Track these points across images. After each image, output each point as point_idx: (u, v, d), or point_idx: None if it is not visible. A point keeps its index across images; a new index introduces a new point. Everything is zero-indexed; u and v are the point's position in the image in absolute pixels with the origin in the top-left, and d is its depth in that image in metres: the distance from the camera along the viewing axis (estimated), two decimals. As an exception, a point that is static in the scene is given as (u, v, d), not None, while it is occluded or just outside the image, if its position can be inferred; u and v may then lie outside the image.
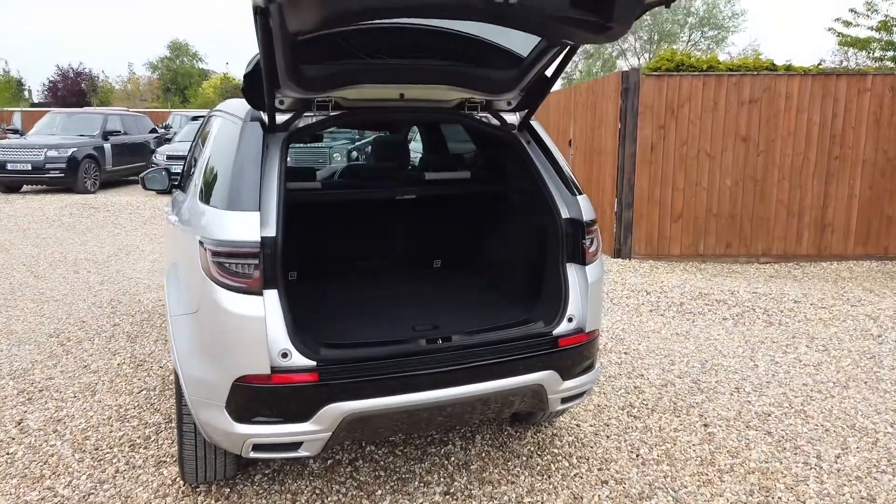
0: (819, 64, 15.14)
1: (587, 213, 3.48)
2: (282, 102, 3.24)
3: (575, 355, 3.35)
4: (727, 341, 6.16)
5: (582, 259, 3.44)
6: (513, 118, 3.80)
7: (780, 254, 9.27)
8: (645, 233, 9.25)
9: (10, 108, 29.45)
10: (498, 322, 3.41)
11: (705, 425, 4.42)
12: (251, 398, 2.88)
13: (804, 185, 9.13)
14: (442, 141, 5.54)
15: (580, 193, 3.54)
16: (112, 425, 4.39)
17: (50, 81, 48.92)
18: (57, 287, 7.99)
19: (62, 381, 5.15)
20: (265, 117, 3.19)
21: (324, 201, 4.13)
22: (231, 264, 2.85)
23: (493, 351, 3.14)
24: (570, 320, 3.38)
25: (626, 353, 5.75)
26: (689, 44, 46.41)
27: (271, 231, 2.90)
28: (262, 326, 2.82)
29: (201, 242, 2.93)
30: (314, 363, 2.90)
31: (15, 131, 20.66)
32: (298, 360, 2.89)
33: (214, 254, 2.87)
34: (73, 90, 47.84)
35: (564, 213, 3.48)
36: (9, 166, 16.22)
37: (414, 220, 4.58)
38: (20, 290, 7.85)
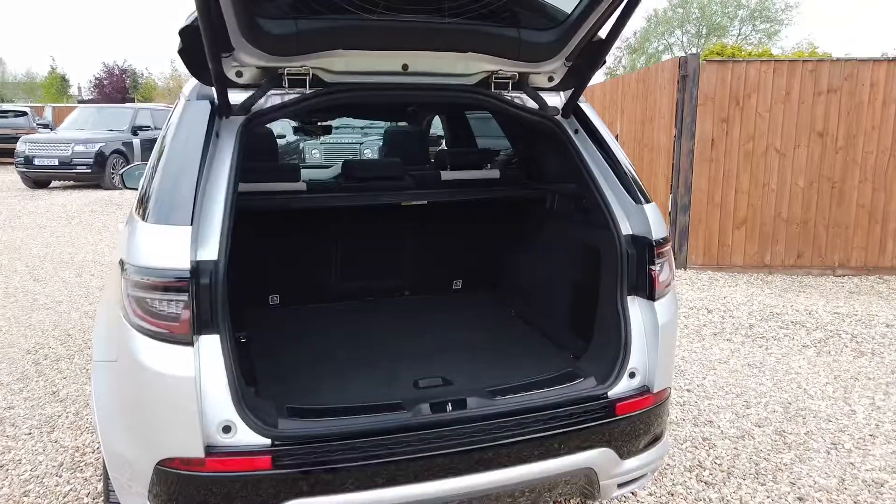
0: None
1: (657, 228, 2.53)
2: (239, 74, 2.38)
3: (638, 425, 2.43)
4: (812, 376, 5.12)
5: (649, 291, 2.51)
6: (555, 99, 2.87)
7: (861, 266, 8.10)
8: (703, 240, 8.19)
9: (39, 104, 29.55)
10: (531, 376, 2.50)
11: (800, 499, 3.43)
12: (179, 490, 2.04)
13: (889, 188, 7.95)
14: (466, 131, 4.62)
15: (647, 201, 2.60)
16: (61, 475, 3.62)
17: (96, 78, 49.60)
18: (54, 293, 7.36)
19: (22, 410, 4.43)
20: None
21: (310, 208, 3.26)
22: (151, 300, 2.00)
23: (524, 422, 2.24)
24: (631, 376, 2.46)
25: (688, 390, 4.76)
26: (740, 37, 44.49)
27: (211, 252, 2.04)
28: (192, 390, 1.98)
29: (122, 266, 2.09)
30: (268, 441, 2.04)
31: (45, 126, 20.46)
32: (246, 436, 2.04)
33: (134, 284, 2.03)
34: (117, 87, 48.39)
35: (625, 228, 2.55)
36: (36, 161, 15.91)
37: (427, 231, 3.67)
38: (15, 295, 7.24)
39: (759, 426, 4.26)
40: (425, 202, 3.29)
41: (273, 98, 2.48)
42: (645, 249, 2.52)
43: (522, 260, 3.58)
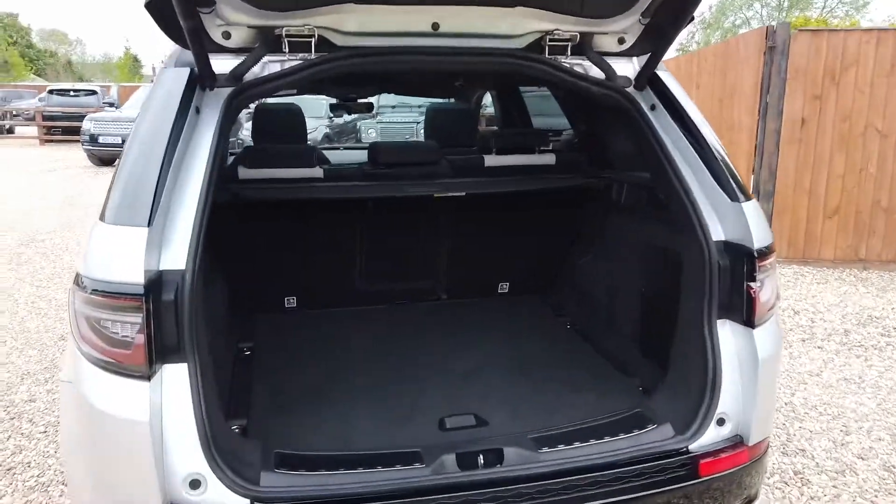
0: None
1: (760, 233, 1.95)
2: (227, 35, 1.91)
3: (727, 487, 1.88)
4: (924, 397, 4.37)
5: (747, 315, 1.94)
6: (627, 67, 2.29)
7: (973, 262, 7.13)
8: (788, 230, 7.37)
9: (110, 84, 30.29)
10: (588, 417, 1.97)
11: (921, 561, 2.77)
12: None
13: None
14: (520, 109, 4.04)
15: (747, 198, 2.01)
16: (66, 486, 3.30)
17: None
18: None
19: (42, 405, 4.19)
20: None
21: (329, 199, 2.78)
22: (102, 322, 1.58)
23: (577, 487, 1.71)
24: (720, 423, 1.90)
25: (775, 409, 4.07)
26: (825, 10, 41.60)
27: (177, 260, 1.61)
28: (147, 435, 1.55)
29: (76, 278, 1.68)
30: (246, 502, 1.59)
31: (111, 104, 20.82)
32: (218, 494, 1.61)
33: (83, 301, 1.62)
34: (187, 67, 49.46)
35: (717, 233, 1.98)
36: (100, 139, 16.17)
37: (467, 225, 3.13)
38: (61, 275, 7.11)
39: (863, 458, 3.59)
40: (463, 194, 2.76)
41: (271, 66, 2.01)
42: (742, 261, 1.94)
43: (581, 263, 3.02)
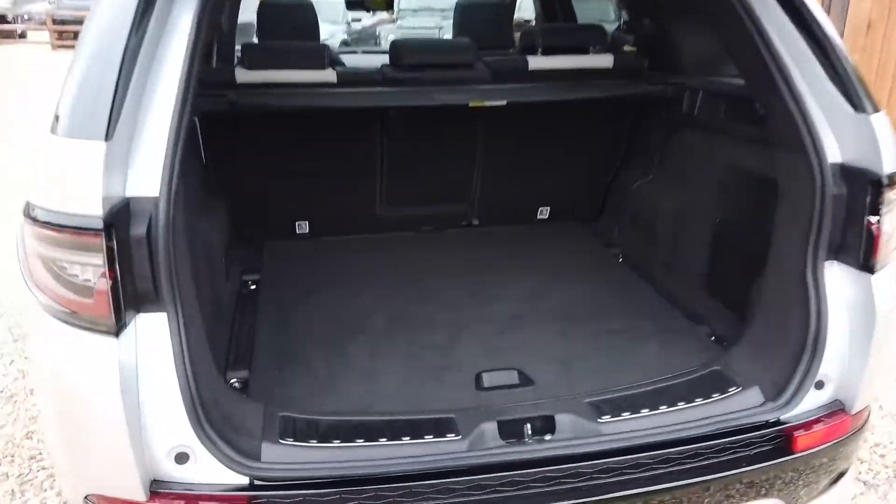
0: None
1: (890, 154, 1.53)
2: None
3: (820, 462, 1.56)
4: None
5: (865, 257, 1.55)
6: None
7: None
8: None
9: None
10: (652, 373, 1.65)
11: None
12: None
13: None
14: (564, 5, 3.50)
15: (874, 109, 1.57)
16: None
17: None
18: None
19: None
20: None
21: (341, 108, 2.34)
22: (58, 262, 1.25)
23: (646, 466, 1.41)
24: (819, 386, 1.56)
25: (883, 416, 3.51)
26: None
27: (149, 184, 1.25)
28: (117, 404, 1.24)
29: (26, 207, 1.33)
30: (245, 480, 1.30)
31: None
32: (209, 470, 1.31)
33: (34, 235, 1.28)
34: None
35: (833, 153, 1.56)
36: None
37: (505, 140, 2.68)
38: None
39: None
40: (504, 103, 2.31)
41: None
42: (864, 189, 1.53)
43: (639, 186, 2.60)
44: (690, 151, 2.31)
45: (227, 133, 2.34)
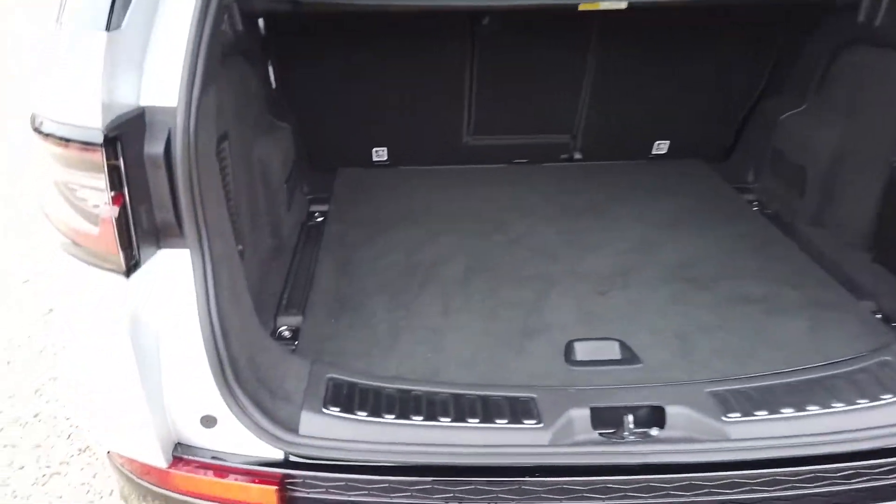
0: None
1: None
2: None
3: None
4: None
5: None
6: None
7: None
8: None
9: None
10: (797, 359, 1.29)
11: None
12: (140, 496, 1.20)
13: None
14: None
15: None
16: None
17: None
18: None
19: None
20: None
21: (425, 9, 1.96)
22: (66, 184, 1.04)
23: (784, 481, 1.07)
24: None
25: None
26: None
27: (166, 91, 0.99)
28: (128, 356, 1.04)
29: (32, 119, 1.11)
30: (280, 454, 1.09)
31: None
32: (237, 440, 1.10)
33: (45, 153, 1.07)
34: None
35: None
36: None
37: (619, 55, 2.22)
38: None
39: None
40: (624, 5, 1.86)
41: None
42: None
43: (786, 118, 2.11)
44: (865, 74, 1.80)
45: (296, 45, 2.06)
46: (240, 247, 1.64)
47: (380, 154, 2.36)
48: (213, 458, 1.14)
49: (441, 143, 2.36)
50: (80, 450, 2.11)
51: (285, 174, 1.85)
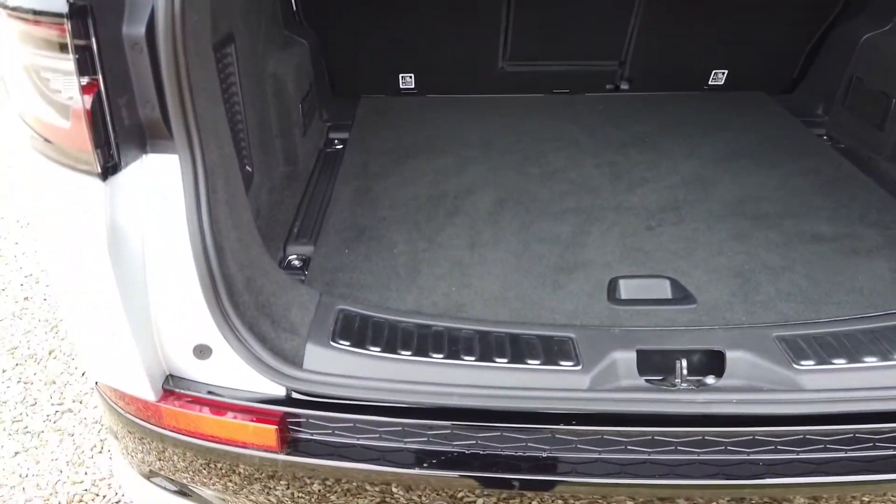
0: None
1: None
2: None
3: None
4: None
5: None
6: None
7: None
8: None
9: None
10: (877, 304, 1.11)
11: None
12: (128, 432, 1.09)
13: None
14: None
15: None
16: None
17: None
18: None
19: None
20: None
21: None
22: (37, 71, 0.90)
23: (863, 438, 0.90)
24: None
25: None
26: None
27: None
28: (106, 273, 0.92)
29: None
30: (282, 391, 0.96)
31: None
32: (232, 373, 0.98)
33: (10, 33, 0.93)
34: None
35: None
36: None
37: None
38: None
39: None
40: None
41: None
42: None
43: (871, 39, 1.86)
44: None
45: None
46: (249, 169, 1.50)
47: (407, 81, 2.18)
48: (210, 392, 1.02)
49: (474, 70, 2.17)
50: (93, 388, 2.05)
51: (300, 95, 1.69)
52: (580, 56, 2.19)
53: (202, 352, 1.01)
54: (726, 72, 2.21)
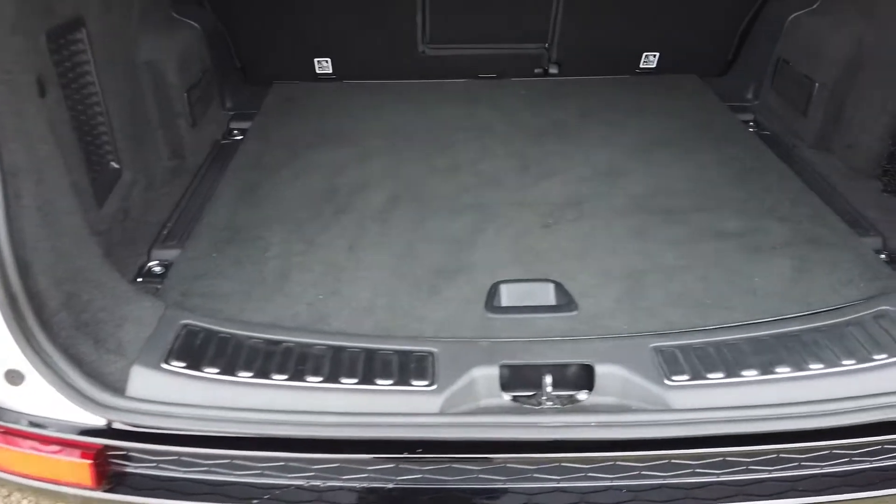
0: None
1: None
2: None
3: None
4: None
5: None
6: None
7: None
8: None
9: None
10: (776, 307, 1.03)
11: None
12: None
13: None
14: None
15: None
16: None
17: None
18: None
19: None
20: None
21: None
22: None
23: (736, 463, 0.83)
24: None
25: None
26: None
27: None
28: None
29: None
30: (102, 421, 0.86)
31: None
32: (46, 401, 0.87)
33: None
34: None
35: None
36: None
37: None
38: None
39: None
40: None
41: None
42: None
43: (798, 19, 1.78)
44: None
45: None
46: (115, 165, 1.38)
47: (323, 66, 2.06)
48: (15, 423, 0.92)
49: (393, 53, 2.06)
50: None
51: (187, 83, 1.57)
52: (505, 39, 2.09)
53: (14, 377, 0.91)
54: (658, 54, 2.12)
